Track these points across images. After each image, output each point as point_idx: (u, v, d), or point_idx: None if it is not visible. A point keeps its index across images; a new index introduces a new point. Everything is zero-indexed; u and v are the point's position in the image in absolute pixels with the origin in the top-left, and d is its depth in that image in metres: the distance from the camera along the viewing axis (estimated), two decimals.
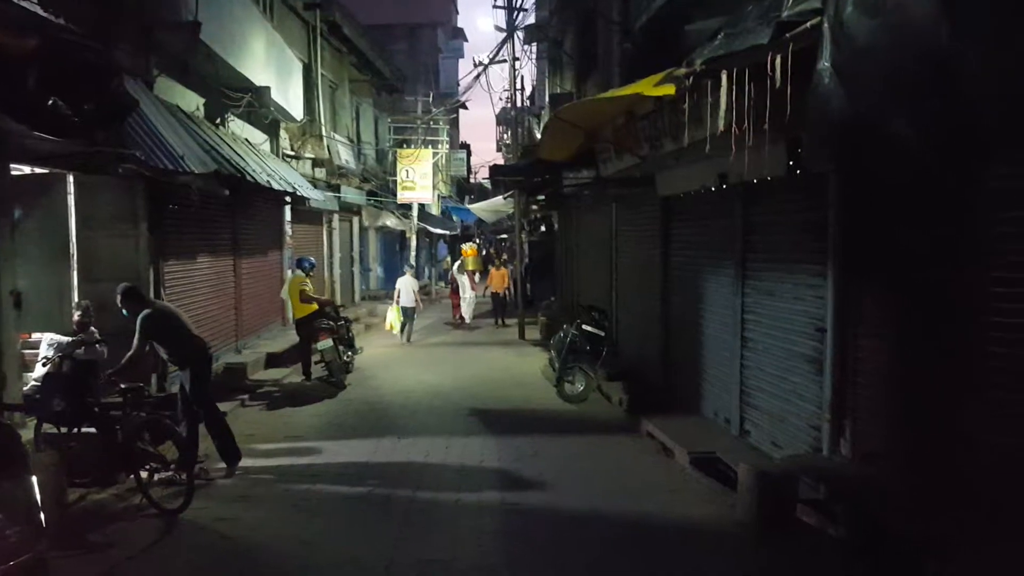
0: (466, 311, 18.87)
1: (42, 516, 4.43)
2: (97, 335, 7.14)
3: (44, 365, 6.54)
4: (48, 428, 6.29)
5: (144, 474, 6.06)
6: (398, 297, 16.14)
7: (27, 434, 6.10)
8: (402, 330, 16.14)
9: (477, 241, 36.38)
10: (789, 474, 5.65)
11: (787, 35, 4.24)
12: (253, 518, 5.88)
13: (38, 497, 4.39)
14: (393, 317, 16.05)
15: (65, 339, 7.07)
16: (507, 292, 19.46)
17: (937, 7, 3.05)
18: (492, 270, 20.14)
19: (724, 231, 7.80)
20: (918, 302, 4.90)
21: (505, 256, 29.41)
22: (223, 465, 7.02)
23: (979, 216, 4.31)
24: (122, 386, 6.22)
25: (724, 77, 4.79)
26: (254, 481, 6.83)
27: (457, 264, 20.19)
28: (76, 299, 8.15)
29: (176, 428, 6.32)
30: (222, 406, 8.79)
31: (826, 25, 3.82)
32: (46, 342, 7.36)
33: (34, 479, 4.40)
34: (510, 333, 17.07)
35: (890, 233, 5.17)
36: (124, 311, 6.75)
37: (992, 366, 4.22)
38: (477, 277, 20.67)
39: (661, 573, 5.00)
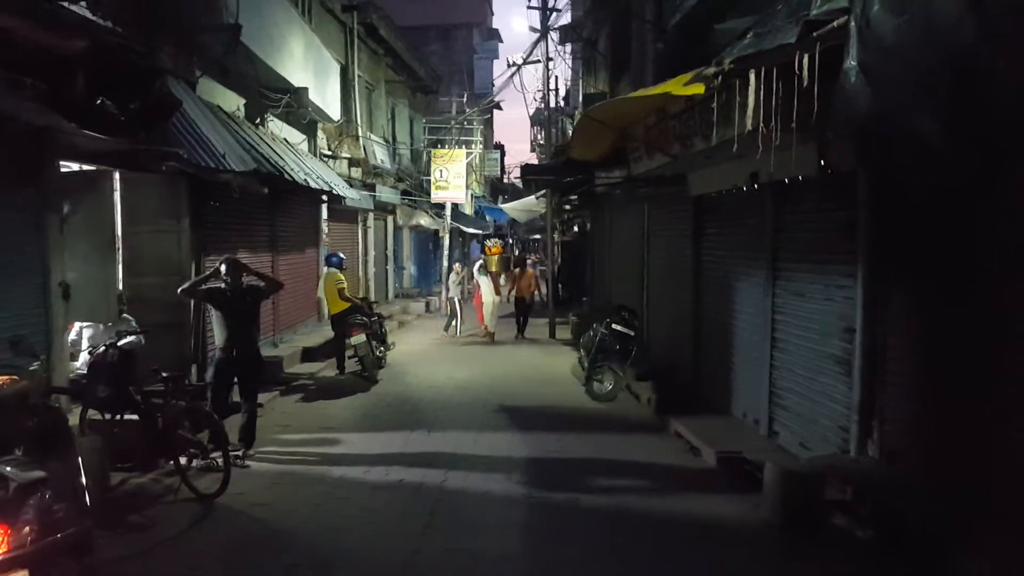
0: (489, 320, 16.14)
1: (87, 496, 4.61)
2: (134, 324, 7.36)
3: (90, 353, 6.78)
4: (93, 414, 6.54)
5: (183, 460, 6.27)
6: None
7: (72, 420, 6.34)
8: (448, 324, 16.74)
9: (510, 240, 36.35)
10: (815, 474, 5.64)
11: (815, 34, 4.24)
12: (286, 504, 6.05)
13: (83, 478, 4.58)
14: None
15: (100, 326, 7.36)
16: (534, 295, 17.79)
17: (962, 5, 3.06)
18: (515, 272, 17.83)
19: (755, 231, 7.78)
20: (948, 303, 4.87)
21: (533, 257, 28.81)
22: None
23: (1008, 216, 4.28)
24: (163, 375, 6.43)
25: (752, 76, 4.81)
26: (288, 469, 7.02)
27: (478, 265, 17.36)
28: (121, 290, 8.43)
29: (215, 416, 6.50)
30: (260, 397, 9.05)
31: (853, 24, 3.82)
32: (85, 333, 7.67)
33: (80, 460, 4.59)
34: (540, 332, 17.09)
35: (920, 233, 5.14)
36: (229, 278, 7.29)
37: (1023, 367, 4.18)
38: (502, 279, 17.89)
39: (684, 570, 5.03)
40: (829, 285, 6.35)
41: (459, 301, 16.98)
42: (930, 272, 5.05)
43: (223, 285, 7.31)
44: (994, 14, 2.99)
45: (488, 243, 19.36)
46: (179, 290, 7.41)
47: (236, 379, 7.37)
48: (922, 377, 5.17)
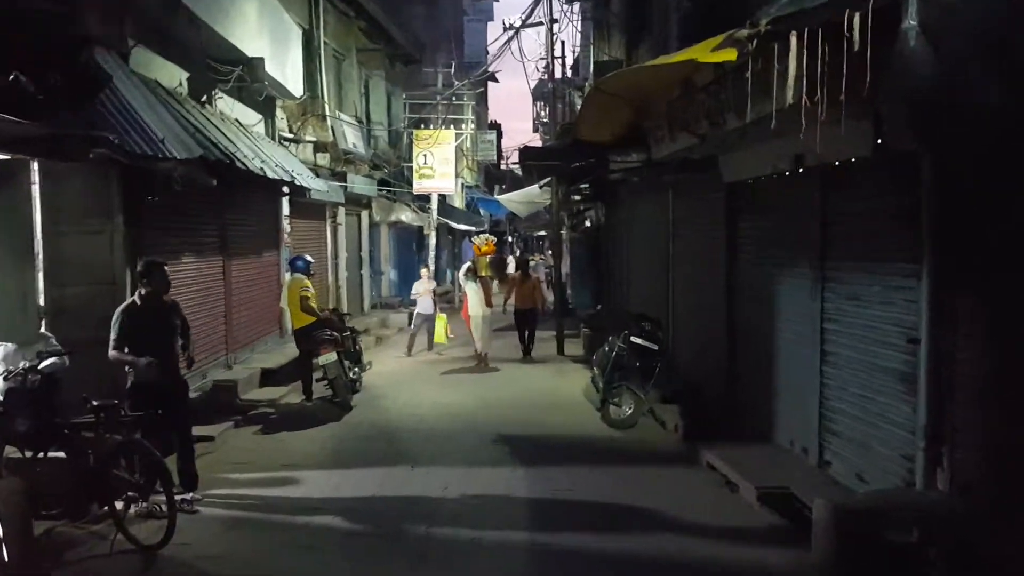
0: (479, 339, 15.10)
1: (4, 551, 4.63)
2: (54, 342, 7.35)
3: (4, 379, 6.78)
4: (11, 452, 6.54)
5: (119, 505, 6.28)
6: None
7: None
8: (429, 343, 16.74)
9: (510, 239, 36.38)
10: (874, 511, 5.65)
11: None
12: (243, 555, 6.08)
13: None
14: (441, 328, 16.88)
15: (12, 346, 7.36)
16: (538, 306, 16.90)
17: None
18: (515, 275, 17.16)
19: (800, 223, 7.83)
20: None
21: (537, 257, 28.46)
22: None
23: None
24: (94, 403, 6.43)
25: (794, 39, 4.85)
26: (244, 515, 7.04)
27: (465, 268, 16.35)
28: (41, 304, 8.44)
29: (156, 452, 6.48)
30: (210, 429, 9.13)
31: None
32: None
33: None
34: (546, 348, 17.07)
35: (996, 223, 5.16)
36: (149, 287, 7.17)
37: None
38: (495, 286, 17.00)
39: None
40: (888, 287, 6.38)
41: (421, 314, 16.57)
42: (1009, 268, 5.06)
43: (137, 300, 7.19)
44: None
45: (477, 240, 18.42)
46: (110, 353, 7.08)
47: (159, 410, 7.23)
48: (1001, 395, 5.19)
